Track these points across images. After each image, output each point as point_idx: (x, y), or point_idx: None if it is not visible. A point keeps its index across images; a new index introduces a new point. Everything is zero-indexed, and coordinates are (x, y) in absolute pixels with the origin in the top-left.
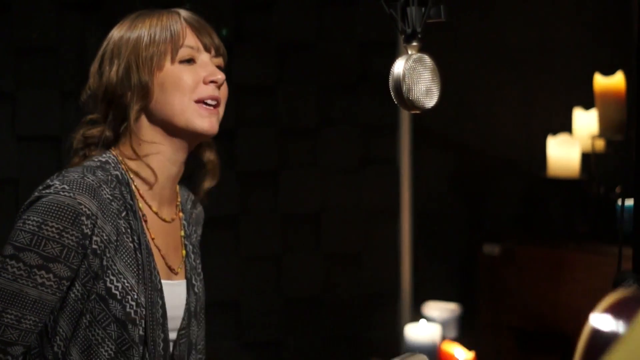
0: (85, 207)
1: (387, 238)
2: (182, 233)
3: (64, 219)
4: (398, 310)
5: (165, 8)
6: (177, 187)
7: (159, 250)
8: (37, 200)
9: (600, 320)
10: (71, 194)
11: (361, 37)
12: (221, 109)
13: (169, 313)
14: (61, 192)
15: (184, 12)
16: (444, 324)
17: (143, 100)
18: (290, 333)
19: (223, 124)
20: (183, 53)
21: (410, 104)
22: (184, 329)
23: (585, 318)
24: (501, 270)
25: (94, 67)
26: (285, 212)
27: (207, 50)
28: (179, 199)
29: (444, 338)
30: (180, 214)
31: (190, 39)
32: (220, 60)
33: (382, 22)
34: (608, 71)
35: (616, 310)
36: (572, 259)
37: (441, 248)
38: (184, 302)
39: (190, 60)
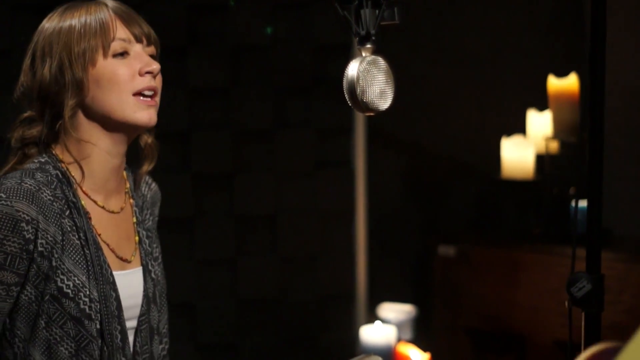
0: (23, 213)
1: (342, 240)
2: (134, 219)
3: (3, 227)
4: (353, 312)
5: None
6: (125, 173)
7: (108, 244)
8: None
9: None
10: (8, 202)
11: (316, 40)
12: (158, 98)
13: (126, 303)
14: None
15: (111, 3)
16: (399, 326)
17: (78, 96)
18: (245, 336)
19: (177, 126)
20: (115, 47)
21: (364, 106)
22: (143, 315)
23: (540, 318)
24: (456, 271)
25: (26, 64)
26: (241, 214)
27: (139, 40)
28: (128, 186)
29: (399, 339)
30: (131, 201)
31: (121, 32)
32: (152, 49)
33: (336, 25)
34: (562, 73)
35: None
36: (527, 260)
37: (396, 250)
38: (141, 289)
39: (123, 54)
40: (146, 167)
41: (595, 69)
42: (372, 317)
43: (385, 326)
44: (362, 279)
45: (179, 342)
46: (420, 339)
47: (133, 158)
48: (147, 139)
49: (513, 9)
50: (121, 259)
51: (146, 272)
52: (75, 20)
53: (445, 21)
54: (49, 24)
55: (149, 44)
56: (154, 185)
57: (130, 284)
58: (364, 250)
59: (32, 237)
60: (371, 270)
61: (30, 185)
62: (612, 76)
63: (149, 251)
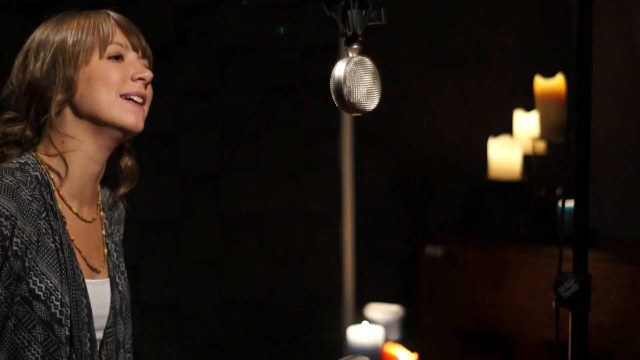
0: (3, 207)
1: (329, 241)
2: (104, 232)
3: None
4: (341, 313)
5: (94, 9)
6: (99, 187)
7: (80, 251)
8: None
9: None
10: None
11: (303, 40)
12: (146, 107)
13: (95, 312)
14: None
15: (113, 13)
16: (387, 326)
17: (66, 93)
18: (232, 336)
19: (164, 127)
20: (112, 49)
21: (351, 107)
22: (110, 328)
23: (527, 318)
24: (443, 272)
25: (18, 61)
26: (228, 215)
27: (135, 49)
28: (100, 198)
29: (386, 340)
30: (102, 214)
31: (119, 37)
32: (146, 63)
33: (323, 25)
34: (548, 73)
35: None
36: (514, 260)
37: (384, 250)
38: (108, 301)
39: (118, 57)
40: (124, 189)
41: (582, 70)
42: (359, 317)
43: (373, 326)
44: (349, 280)
45: (166, 343)
46: (407, 340)
47: (113, 180)
48: (127, 161)
49: (500, 10)
50: (91, 267)
51: (114, 285)
52: (74, 25)
53: (432, 21)
54: (45, 27)
55: (144, 56)
56: (120, 205)
57: (99, 294)
58: (351, 251)
59: (8, 234)
60: (358, 271)
61: (11, 181)
62: (598, 77)
63: (117, 264)
